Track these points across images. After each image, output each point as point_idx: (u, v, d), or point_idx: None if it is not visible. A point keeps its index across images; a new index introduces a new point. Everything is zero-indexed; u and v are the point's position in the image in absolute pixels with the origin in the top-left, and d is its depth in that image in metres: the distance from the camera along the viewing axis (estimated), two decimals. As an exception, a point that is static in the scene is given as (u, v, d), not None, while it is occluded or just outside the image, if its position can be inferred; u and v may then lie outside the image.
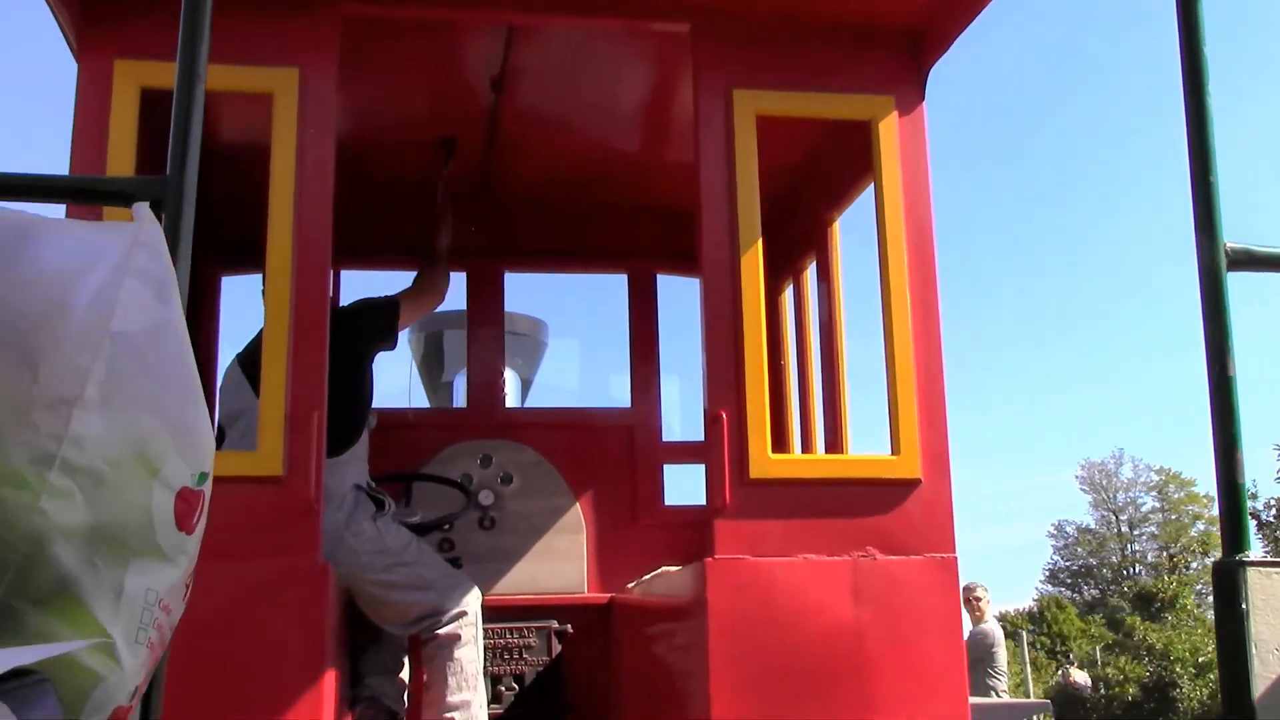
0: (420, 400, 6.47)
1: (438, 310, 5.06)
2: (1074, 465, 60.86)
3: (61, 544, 1.18)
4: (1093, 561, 56.61)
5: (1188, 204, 1.82)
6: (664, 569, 4.22)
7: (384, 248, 5.25)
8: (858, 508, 3.44)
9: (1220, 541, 1.74)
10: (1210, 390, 1.78)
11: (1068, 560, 58.36)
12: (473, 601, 4.15)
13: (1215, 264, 1.80)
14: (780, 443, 4.82)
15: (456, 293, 5.13)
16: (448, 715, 3.99)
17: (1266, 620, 1.59)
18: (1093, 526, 57.50)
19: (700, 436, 4.01)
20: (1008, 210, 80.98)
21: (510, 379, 5.73)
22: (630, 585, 4.69)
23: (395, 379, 6.03)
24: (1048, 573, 58.54)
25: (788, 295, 5.08)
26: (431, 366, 6.34)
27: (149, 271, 1.33)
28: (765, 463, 3.42)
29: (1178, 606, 37.05)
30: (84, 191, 1.77)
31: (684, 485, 5.52)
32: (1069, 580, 57.25)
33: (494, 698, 4.67)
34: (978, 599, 10.89)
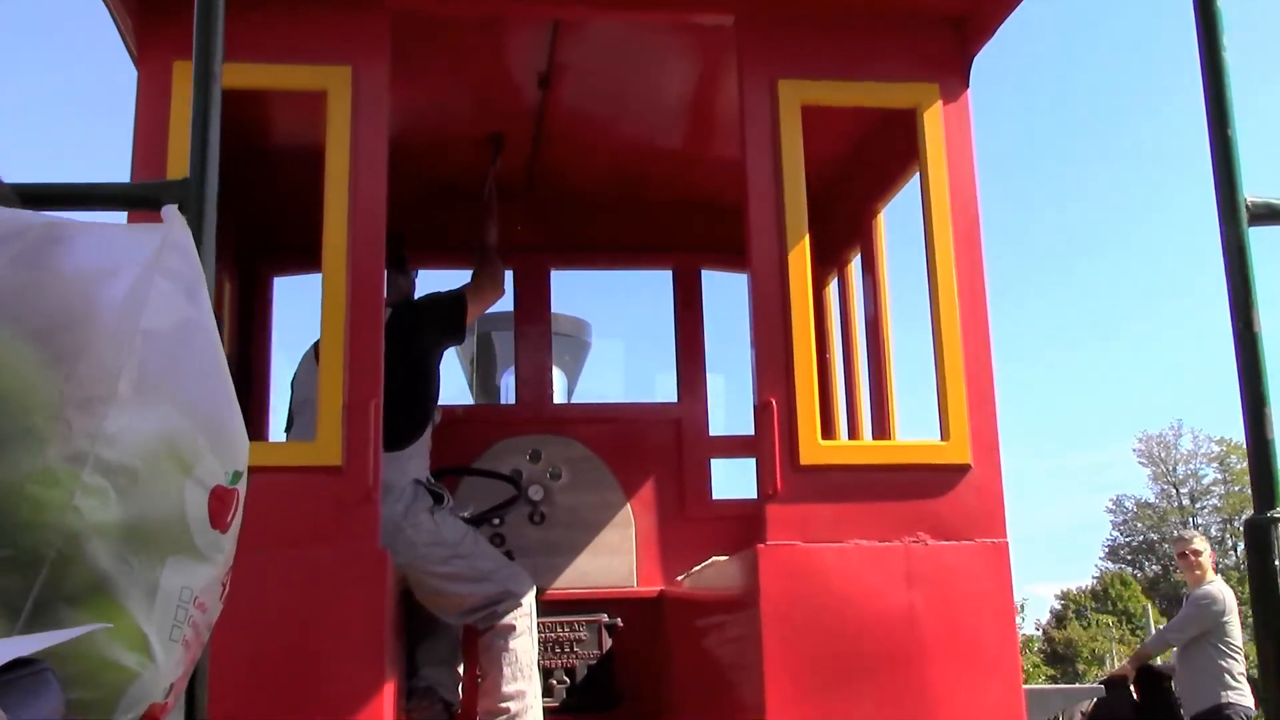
0: (468, 400, 6.53)
1: (486, 311, 5.11)
2: (1131, 439, 59.61)
3: (96, 542, 1.18)
4: (1154, 537, 55.41)
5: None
6: (713, 559, 4.24)
7: (434, 244, 5.32)
8: (909, 493, 3.44)
9: (1253, 499, 1.75)
10: (1236, 347, 1.78)
11: (1128, 536, 57.34)
12: (528, 593, 4.19)
13: (1236, 218, 1.79)
14: (828, 433, 4.83)
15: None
16: (503, 705, 4.03)
17: None
18: (1152, 501, 56.50)
19: (746, 431, 4.04)
20: (1063, 187, 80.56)
21: (557, 379, 5.77)
22: (680, 577, 4.71)
23: (449, 378, 6.09)
24: (1107, 549, 57.69)
25: (833, 287, 5.08)
26: (480, 367, 6.40)
27: (179, 272, 1.34)
28: (816, 449, 3.43)
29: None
30: (107, 198, 1.79)
31: (730, 480, 5.53)
32: (1129, 557, 56.20)
33: (546, 691, 4.69)
34: (1195, 553, 8.11)
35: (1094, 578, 52.15)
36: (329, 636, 3.14)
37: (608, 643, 4.87)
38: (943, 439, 3.52)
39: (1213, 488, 53.77)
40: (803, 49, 3.70)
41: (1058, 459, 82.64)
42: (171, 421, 1.27)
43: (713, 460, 5.39)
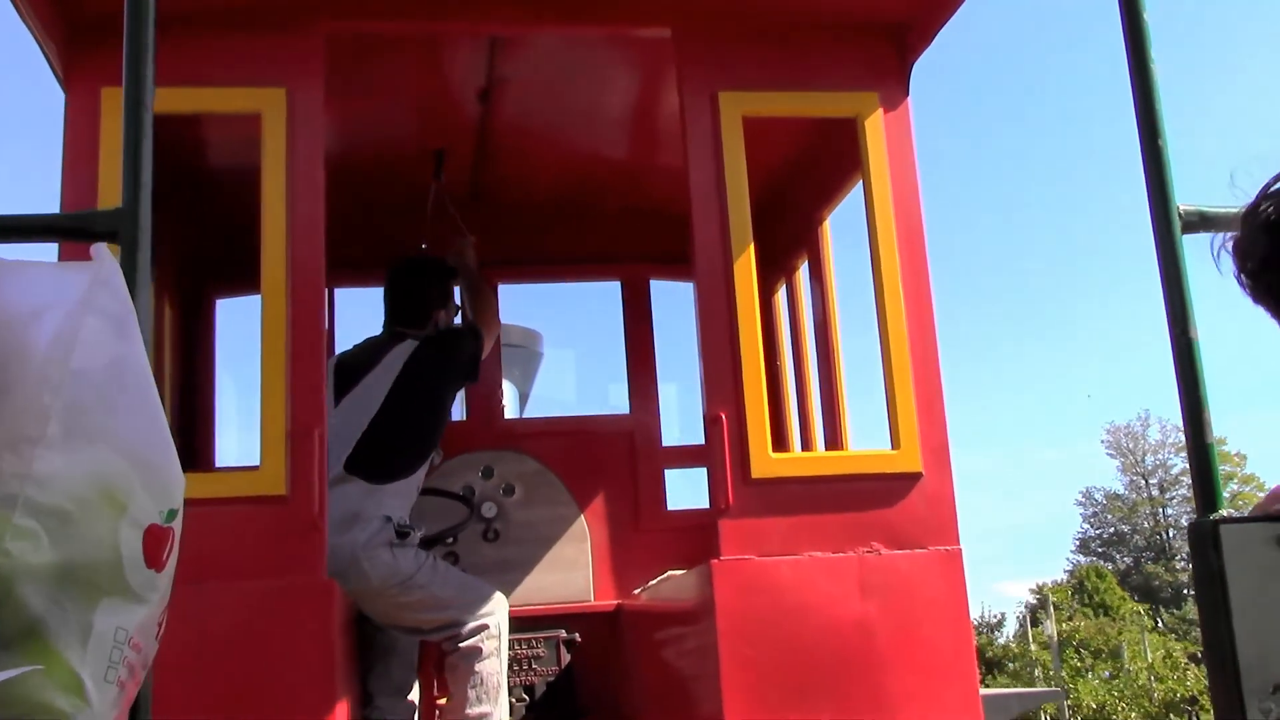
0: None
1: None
2: (1099, 434, 59.80)
3: (27, 585, 1.17)
4: (1125, 528, 55.43)
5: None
6: (670, 573, 4.22)
7: (379, 263, 5.27)
8: (861, 503, 3.44)
9: (1194, 503, 1.75)
10: (1174, 355, 1.79)
11: (1098, 529, 57.29)
12: (496, 614, 4.14)
13: (1169, 227, 1.81)
14: (780, 442, 4.83)
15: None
16: None
17: (1242, 577, 1.60)
18: (1122, 492, 56.44)
19: (700, 440, 4.02)
20: (1008, 184, 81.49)
21: (507, 391, 5.73)
22: (637, 591, 4.69)
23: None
24: (1078, 542, 57.61)
25: (781, 295, 5.09)
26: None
27: (109, 309, 1.33)
28: (767, 462, 3.42)
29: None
30: (39, 229, 1.76)
31: (685, 490, 5.52)
32: (1100, 550, 56.08)
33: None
34: None
35: (1066, 571, 52.32)
36: (276, 671, 3.08)
37: (566, 658, 4.85)
38: (893, 448, 3.53)
39: (1181, 477, 53.34)
40: (742, 61, 3.69)
41: (1033, 454, 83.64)
42: (104, 461, 1.26)
43: (667, 470, 5.38)
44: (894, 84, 3.78)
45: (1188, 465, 1.83)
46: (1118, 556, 55.06)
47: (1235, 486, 49.11)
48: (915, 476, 3.50)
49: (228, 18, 3.46)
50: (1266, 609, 1.59)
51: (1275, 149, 1.64)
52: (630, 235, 5.45)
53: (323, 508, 3.26)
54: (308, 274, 3.38)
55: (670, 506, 5.31)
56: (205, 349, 5.16)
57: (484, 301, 4.74)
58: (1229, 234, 1.69)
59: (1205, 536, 1.63)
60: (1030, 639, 30.58)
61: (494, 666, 4.08)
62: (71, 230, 1.92)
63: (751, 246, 3.55)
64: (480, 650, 4.05)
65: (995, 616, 39.15)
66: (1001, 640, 34.93)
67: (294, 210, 3.38)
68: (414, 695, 4.36)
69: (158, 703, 1.54)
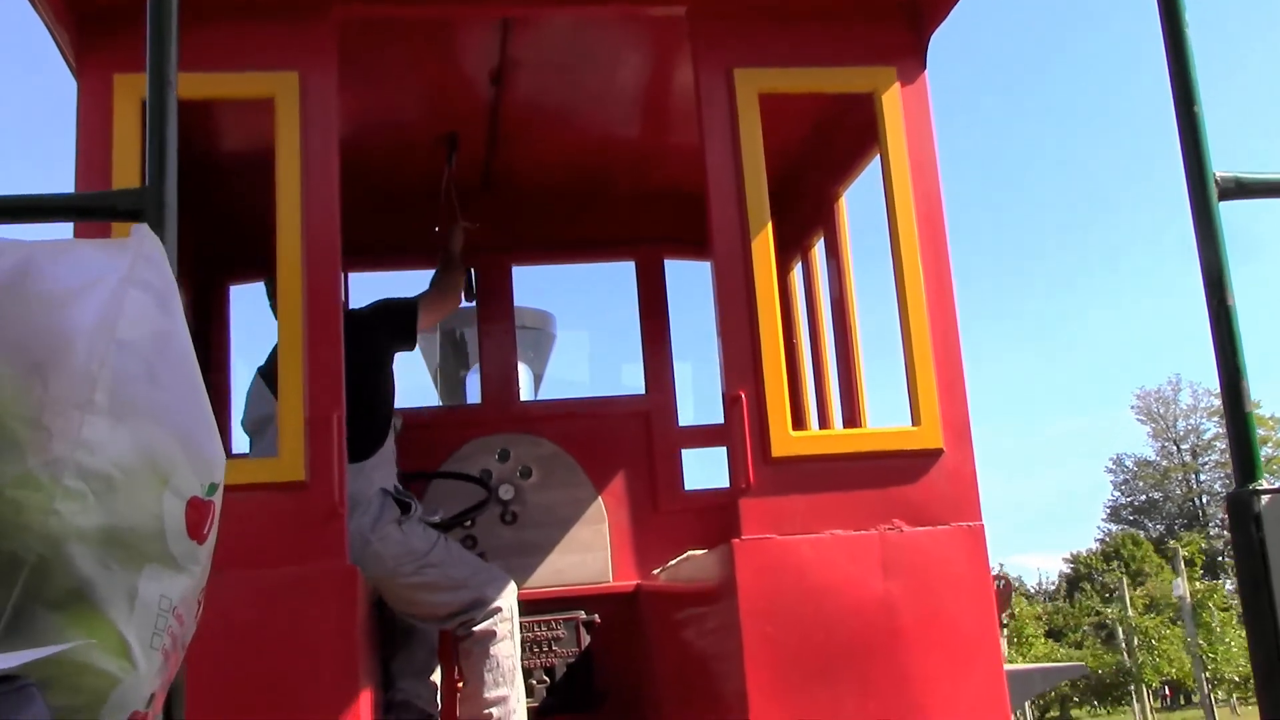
0: (434, 402, 6.47)
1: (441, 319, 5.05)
2: (1129, 399, 58.68)
3: (76, 545, 1.19)
4: (1156, 496, 54.42)
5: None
6: (689, 554, 4.22)
7: (392, 248, 5.25)
8: (882, 481, 3.43)
9: (1232, 473, 1.73)
10: (1211, 322, 1.77)
11: (1129, 496, 56.24)
12: (508, 597, 4.15)
13: (1205, 195, 1.79)
14: (797, 421, 4.81)
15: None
16: (485, 712, 4.00)
17: None
18: (1153, 459, 55.31)
19: (717, 420, 4.01)
20: (1042, 150, 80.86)
21: (522, 374, 5.73)
22: (656, 571, 4.69)
23: (414, 380, 6.03)
24: (1109, 510, 56.77)
25: (797, 272, 5.07)
26: (445, 367, 6.34)
27: (153, 283, 1.34)
28: (787, 441, 3.41)
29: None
30: (63, 209, 1.76)
31: (699, 470, 5.52)
32: (1132, 518, 55.18)
33: (526, 691, 4.67)
34: None
35: (1098, 540, 51.37)
36: (301, 657, 3.08)
37: (586, 640, 4.85)
38: (914, 424, 3.52)
39: (1214, 443, 51.94)
40: (757, 37, 3.67)
41: (1046, 428, 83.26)
42: (148, 431, 1.27)
43: (684, 450, 5.37)
44: (911, 58, 3.75)
45: (1220, 430, 1.81)
46: (1150, 525, 54.25)
47: (1269, 450, 47.35)
48: (937, 453, 3.48)
49: (241, 3, 3.45)
50: (1307, 578, 1.58)
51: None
52: (644, 216, 5.44)
53: (343, 493, 3.25)
54: (323, 259, 3.37)
55: (687, 487, 5.31)
56: (220, 335, 5.16)
57: (449, 280, 4.70)
58: None
59: (1245, 507, 1.62)
60: (1129, 603, 29.77)
61: (509, 649, 4.08)
62: (95, 209, 1.92)
63: (769, 225, 3.53)
64: (495, 634, 4.06)
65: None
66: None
67: (308, 195, 3.37)
68: (435, 677, 4.37)
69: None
